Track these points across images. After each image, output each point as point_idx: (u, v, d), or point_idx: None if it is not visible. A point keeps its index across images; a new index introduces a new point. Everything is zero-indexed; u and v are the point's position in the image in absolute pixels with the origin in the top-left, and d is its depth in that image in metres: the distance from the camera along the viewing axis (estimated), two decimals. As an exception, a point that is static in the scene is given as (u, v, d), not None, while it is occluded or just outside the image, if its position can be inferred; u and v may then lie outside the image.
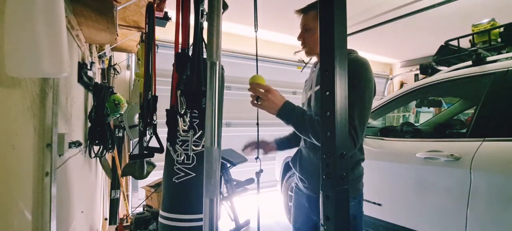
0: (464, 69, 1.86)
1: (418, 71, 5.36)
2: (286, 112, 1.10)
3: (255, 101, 1.11)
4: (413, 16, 3.36)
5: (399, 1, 3.16)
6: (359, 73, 1.11)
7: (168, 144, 1.19)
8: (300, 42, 1.32)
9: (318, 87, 1.25)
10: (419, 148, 1.84)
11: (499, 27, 2.22)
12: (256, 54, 1.44)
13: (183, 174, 1.14)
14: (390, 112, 3.97)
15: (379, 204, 2.05)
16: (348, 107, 0.81)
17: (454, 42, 2.38)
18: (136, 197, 3.63)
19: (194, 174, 1.14)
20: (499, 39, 2.20)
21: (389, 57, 6.08)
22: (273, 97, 1.09)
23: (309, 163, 1.30)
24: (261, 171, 1.71)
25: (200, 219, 1.09)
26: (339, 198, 0.70)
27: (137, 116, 2.71)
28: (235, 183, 3.01)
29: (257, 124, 1.49)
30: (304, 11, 1.28)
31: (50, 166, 1.03)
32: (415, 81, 5.54)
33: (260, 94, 1.09)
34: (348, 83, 0.79)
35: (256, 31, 1.32)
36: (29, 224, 0.89)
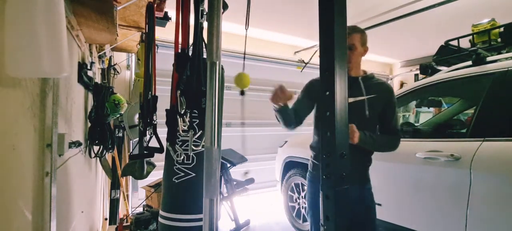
0: (464, 69, 1.86)
1: (418, 71, 5.36)
2: (365, 138, 1.41)
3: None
4: (413, 16, 3.35)
5: (399, 1, 3.16)
6: (395, 97, 1.53)
7: (168, 144, 1.19)
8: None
9: (351, 99, 1.45)
10: (419, 148, 1.84)
11: (499, 27, 2.22)
12: (244, 52, 1.50)
13: (183, 174, 1.14)
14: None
15: (379, 204, 2.05)
16: (393, 120, 1.51)
17: (454, 42, 2.37)
18: (136, 197, 3.63)
19: (194, 174, 1.14)
20: (499, 39, 2.20)
21: (389, 57, 6.07)
22: (356, 131, 1.39)
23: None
24: (251, 178, 1.74)
25: (200, 219, 1.10)
26: (339, 198, 0.70)
27: (137, 115, 2.71)
28: (235, 183, 3.01)
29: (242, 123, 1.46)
30: (350, 32, 1.52)
31: (50, 166, 1.03)
32: (415, 81, 5.54)
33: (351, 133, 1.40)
34: (386, 102, 1.49)
35: (246, 30, 1.37)
36: (29, 224, 0.89)
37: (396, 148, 1.51)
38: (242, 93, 1.27)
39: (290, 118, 1.50)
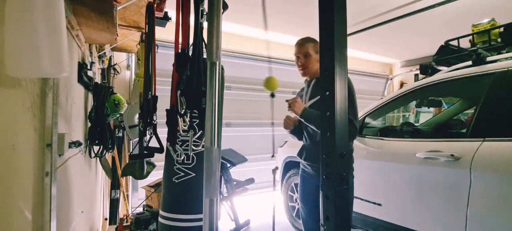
0: (464, 69, 1.86)
1: (418, 71, 5.36)
2: (308, 112, 1.60)
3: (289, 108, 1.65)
4: (413, 16, 3.36)
5: (399, 1, 3.16)
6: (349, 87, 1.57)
7: (168, 144, 1.19)
8: (298, 66, 1.77)
9: (312, 101, 1.69)
10: (419, 148, 1.84)
11: (499, 27, 2.22)
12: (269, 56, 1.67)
13: (183, 174, 1.14)
14: (390, 112, 3.97)
15: (379, 204, 2.05)
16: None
17: (454, 42, 2.37)
18: (136, 197, 3.63)
19: (194, 174, 1.14)
20: (499, 39, 2.20)
21: (389, 57, 6.07)
22: (299, 103, 1.63)
23: (315, 154, 1.71)
24: (276, 168, 2.02)
25: (200, 219, 1.10)
26: (339, 198, 0.70)
27: (137, 115, 2.71)
28: (235, 183, 3.01)
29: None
30: (304, 42, 1.75)
31: (50, 166, 1.03)
32: (415, 81, 5.54)
33: (291, 101, 1.64)
34: None
35: (266, 32, 1.49)
36: (29, 224, 0.89)
37: (352, 138, 1.58)
38: (273, 95, 1.58)
39: (301, 134, 1.84)
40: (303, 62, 1.75)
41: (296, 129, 1.85)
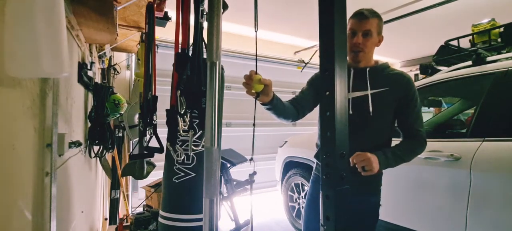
0: (464, 69, 1.86)
1: (418, 71, 5.36)
2: (384, 161, 1.22)
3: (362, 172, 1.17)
4: (413, 16, 3.36)
5: (399, 1, 3.16)
6: (414, 89, 1.28)
7: (168, 144, 1.19)
8: (351, 46, 1.26)
9: (357, 93, 1.27)
10: (419, 148, 1.83)
11: (499, 27, 2.22)
12: (256, 54, 1.42)
13: (183, 174, 1.14)
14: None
15: (379, 204, 2.05)
16: (411, 118, 1.26)
17: (454, 42, 2.37)
18: (136, 197, 3.63)
19: (194, 174, 1.14)
20: (499, 39, 2.20)
21: (389, 57, 6.07)
22: (371, 156, 1.15)
23: None
24: (254, 173, 1.66)
25: (200, 219, 1.10)
26: (339, 198, 0.70)
27: (137, 115, 2.71)
28: (235, 183, 3.00)
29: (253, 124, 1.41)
30: (369, 16, 1.22)
31: (50, 166, 1.03)
32: (415, 81, 5.53)
33: (363, 164, 1.14)
34: (401, 96, 1.24)
35: (256, 31, 1.29)
36: (29, 224, 0.89)
37: (422, 152, 1.29)
38: (258, 95, 1.18)
39: (282, 111, 1.25)
40: (361, 41, 1.23)
41: (271, 105, 1.16)
